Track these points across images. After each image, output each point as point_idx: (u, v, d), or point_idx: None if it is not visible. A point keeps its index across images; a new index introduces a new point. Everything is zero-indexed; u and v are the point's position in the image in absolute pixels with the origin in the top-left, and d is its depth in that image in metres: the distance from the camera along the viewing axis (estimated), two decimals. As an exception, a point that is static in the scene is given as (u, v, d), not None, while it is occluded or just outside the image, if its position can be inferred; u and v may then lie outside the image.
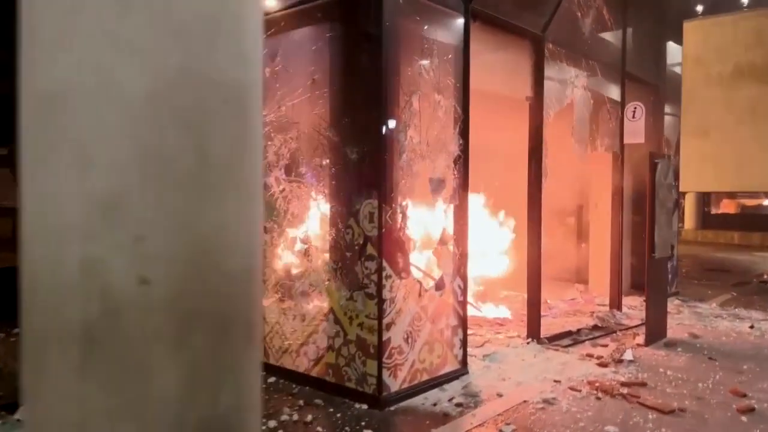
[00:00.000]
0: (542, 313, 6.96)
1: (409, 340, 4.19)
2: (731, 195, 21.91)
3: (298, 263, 4.57)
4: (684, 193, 19.85)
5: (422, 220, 4.45)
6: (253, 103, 1.45)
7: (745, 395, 4.26)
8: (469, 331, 5.99)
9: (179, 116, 1.28)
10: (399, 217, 4.14)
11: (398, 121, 4.13)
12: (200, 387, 1.33)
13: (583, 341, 5.81)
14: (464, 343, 4.68)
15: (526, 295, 6.18)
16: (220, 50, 1.35)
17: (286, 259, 4.65)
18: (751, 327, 6.48)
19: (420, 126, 4.33)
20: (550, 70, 5.96)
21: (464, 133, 4.65)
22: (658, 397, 4.24)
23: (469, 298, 7.13)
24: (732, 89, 16.86)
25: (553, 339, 5.76)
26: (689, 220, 20.45)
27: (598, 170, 7.92)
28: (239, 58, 1.40)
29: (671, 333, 6.14)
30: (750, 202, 22.60)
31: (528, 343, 5.64)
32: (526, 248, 5.91)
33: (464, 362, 4.67)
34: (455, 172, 4.61)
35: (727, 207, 22.70)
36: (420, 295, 4.30)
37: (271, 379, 4.50)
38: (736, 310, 7.51)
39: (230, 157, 1.37)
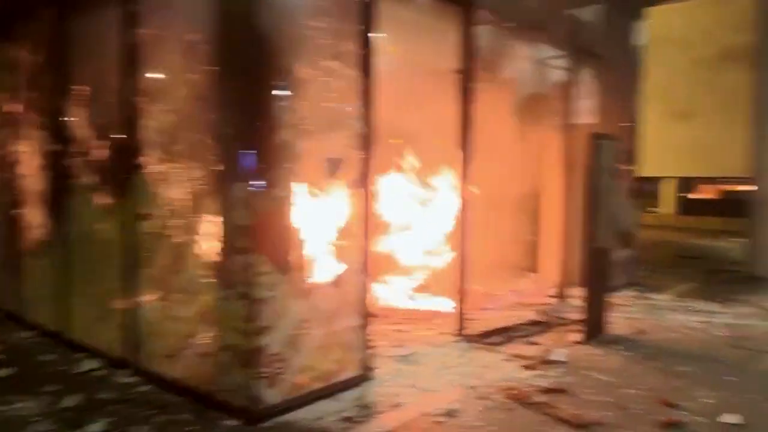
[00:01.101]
0: (485, 306, 6.50)
1: (294, 345, 3.65)
2: (712, 180, 21.50)
3: (176, 256, 4.00)
4: (662, 178, 19.45)
5: (316, 208, 3.90)
6: None
7: (675, 406, 3.77)
8: (396, 328, 5.55)
9: None
10: (280, 203, 3.59)
11: (278, 91, 3.56)
12: None
13: (518, 338, 5.30)
14: (369, 346, 4.14)
15: (477, 287, 5.71)
16: None
17: (165, 251, 4.08)
18: (705, 322, 6.00)
19: (309, 98, 3.76)
20: (483, 40, 5.39)
21: (370, 106, 4.08)
22: (580, 406, 3.74)
23: (408, 290, 6.69)
24: (716, 73, 16.38)
25: (485, 336, 5.26)
26: (668, 206, 20.04)
27: (551, 152, 7.39)
28: None
29: (617, 328, 5.65)
30: (731, 187, 22.17)
31: (456, 341, 5.13)
32: (457, 235, 5.38)
33: (369, 367, 4.15)
34: (358, 152, 4.05)
35: (707, 192, 22.28)
36: (310, 293, 3.76)
37: (145, 388, 3.96)
38: (694, 302, 7.03)
39: None
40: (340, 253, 3.99)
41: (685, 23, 16.70)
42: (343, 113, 3.99)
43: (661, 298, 7.19)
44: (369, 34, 4.08)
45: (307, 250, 3.81)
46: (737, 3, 16.07)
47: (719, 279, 8.80)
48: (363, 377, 4.08)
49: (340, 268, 3.96)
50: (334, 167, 3.97)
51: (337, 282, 3.94)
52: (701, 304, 6.89)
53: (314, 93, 3.78)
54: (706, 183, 21.77)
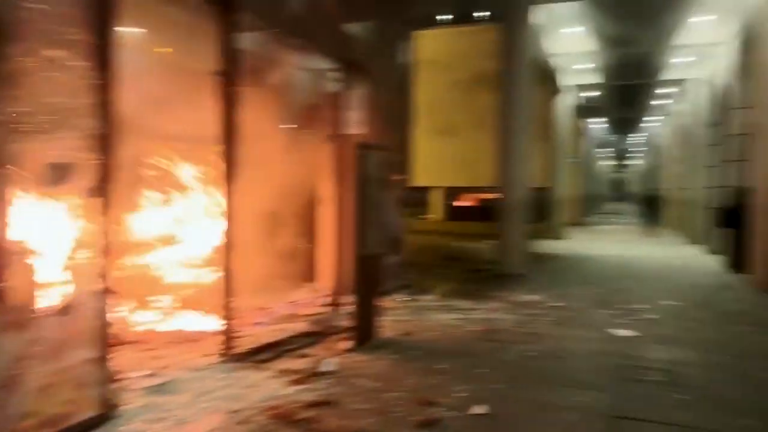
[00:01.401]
0: (257, 321, 6.23)
1: (9, 388, 2.99)
2: (472, 189, 24.12)
3: None
4: (431, 188, 21.28)
5: (39, 221, 3.27)
6: None
7: (432, 403, 3.93)
8: (153, 354, 4.98)
9: None
10: (-16, 217, 2.92)
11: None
12: None
13: (288, 352, 5.13)
14: (112, 379, 3.60)
15: (249, 301, 5.39)
16: None
17: None
18: (462, 319, 6.51)
19: (28, 91, 3.14)
20: (249, 44, 5.16)
21: (104, 104, 3.56)
22: (344, 416, 3.69)
23: (170, 311, 6.10)
24: (471, 94, 18.35)
25: (254, 353, 4.99)
26: (437, 213, 21.97)
27: (324, 162, 7.44)
28: None
29: (386, 332, 5.82)
30: (486, 195, 25.09)
31: (222, 362, 4.78)
32: (223, 248, 5.05)
33: (112, 404, 3.60)
34: (91, 156, 3.50)
35: (468, 200, 24.95)
36: (30, 324, 3.12)
37: None
38: (455, 300, 7.62)
39: None
40: (72, 274, 3.41)
41: (446, 48, 18.49)
42: (73, 111, 3.42)
43: (427, 299, 7.68)
44: (106, 23, 3.58)
45: (27, 273, 3.17)
46: (487, 34, 18.30)
47: (476, 278, 9.72)
48: (103, 417, 3.52)
49: (72, 291, 3.37)
50: (61, 173, 3.38)
51: (68, 308, 3.35)
52: (460, 302, 7.50)
53: (34, 86, 3.18)
54: (467, 192, 24.37)
